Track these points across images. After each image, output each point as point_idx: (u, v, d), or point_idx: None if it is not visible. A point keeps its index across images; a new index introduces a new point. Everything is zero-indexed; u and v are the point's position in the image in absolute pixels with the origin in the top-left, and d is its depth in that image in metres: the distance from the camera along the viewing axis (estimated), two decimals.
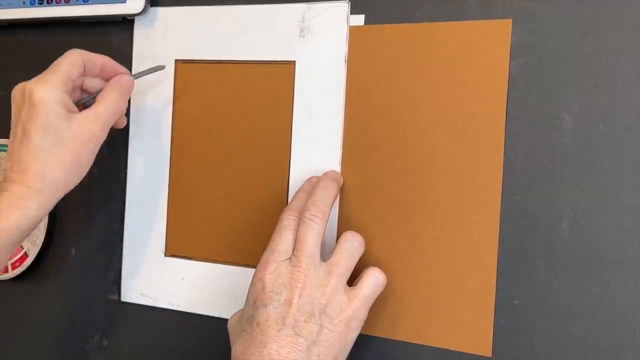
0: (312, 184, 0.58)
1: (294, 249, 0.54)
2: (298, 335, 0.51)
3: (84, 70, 0.60)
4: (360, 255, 0.56)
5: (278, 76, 0.62)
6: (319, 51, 0.60)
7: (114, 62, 0.63)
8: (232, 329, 0.56)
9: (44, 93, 0.56)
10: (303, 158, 0.61)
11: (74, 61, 0.59)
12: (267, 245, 0.56)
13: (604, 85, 0.52)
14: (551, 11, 0.53)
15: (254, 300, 0.53)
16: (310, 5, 0.61)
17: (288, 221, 0.55)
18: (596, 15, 0.52)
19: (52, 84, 0.56)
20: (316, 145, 0.60)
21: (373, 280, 0.55)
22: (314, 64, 0.61)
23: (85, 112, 0.58)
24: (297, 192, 0.58)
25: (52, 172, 0.55)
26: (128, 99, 0.61)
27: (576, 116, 0.52)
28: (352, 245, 0.56)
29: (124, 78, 0.61)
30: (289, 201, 0.61)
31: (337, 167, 0.60)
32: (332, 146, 0.60)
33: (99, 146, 0.58)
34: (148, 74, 0.64)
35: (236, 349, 0.53)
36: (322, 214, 0.54)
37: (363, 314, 0.54)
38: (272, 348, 0.50)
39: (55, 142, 0.55)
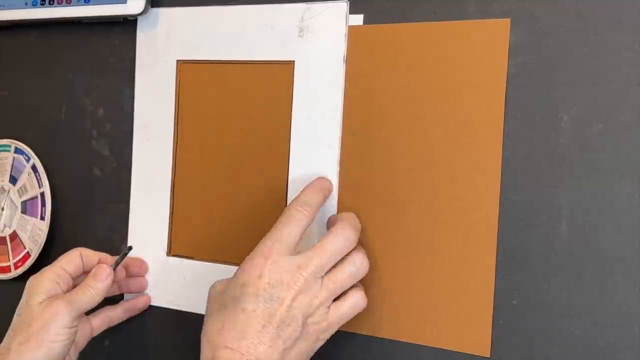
0: (323, 183, 0.58)
1: (302, 245, 0.54)
2: (279, 337, 0.51)
3: (83, 264, 0.63)
4: (362, 277, 0.56)
5: (278, 76, 0.62)
6: (318, 51, 0.60)
7: (108, 257, 0.65)
8: (213, 297, 0.55)
9: (34, 281, 0.60)
10: (302, 158, 0.61)
11: (71, 256, 0.62)
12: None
13: (603, 85, 0.51)
14: (550, 11, 0.53)
15: (244, 282, 0.53)
16: (309, 5, 0.61)
17: (298, 214, 0.55)
18: (594, 14, 0.52)
19: (45, 273, 0.61)
20: (315, 144, 0.60)
21: (354, 302, 0.55)
22: (313, 64, 0.61)
23: (61, 296, 0.59)
24: (307, 187, 0.57)
25: (15, 347, 0.57)
26: (107, 290, 0.61)
27: (574, 116, 0.52)
28: (356, 269, 0.55)
29: (107, 270, 0.61)
30: (288, 201, 0.61)
31: (335, 167, 0.60)
32: (331, 146, 0.60)
33: (65, 330, 0.58)
34: (122, 259, 0.64)
35: (212, 324, 0.53)
36: (356, 236, 0.55)
37: (335, 329, 0.55)
38: (251, 342, 0.50)
39: (24, 322, 0.58)
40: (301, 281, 0.52)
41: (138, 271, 0.68)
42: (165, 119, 0.67)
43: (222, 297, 0.54)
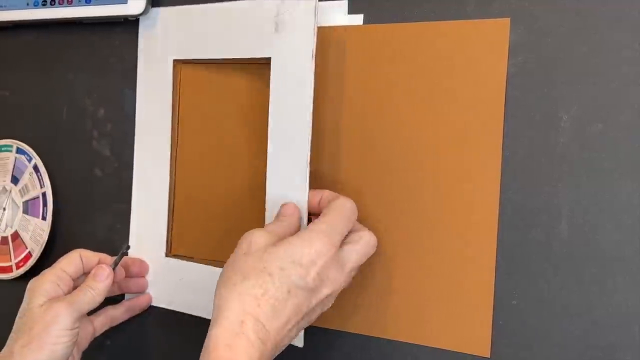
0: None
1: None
2: (298, 324, 0.51)
3: (83, 266, 0.63)
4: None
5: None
6: (290, 48, 0.58)
7: (108, 257, 0.64)
8: (255, 253, 0.51)
9: (34, 283, 0.61)
10: (278, 158, 0.59)
11: (70, 258, 0.63)
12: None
13: (603, 84, 0.51)
14: (549, 10, 0.53)
15: (299, 262, 0.50)
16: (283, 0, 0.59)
17: (351, 221, 0.54)
18: (594, 14, 0.52)
19: (45, 275, 0.61)
20: (287, 141, 0.58)
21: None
22: (286, 61, 0.59)
23: (61, 298, 0.59)
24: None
25: (18, 349, 0.57)
26: (107, 291, 0.61)
27: (574, 115, 0.52)
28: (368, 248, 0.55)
29: (106, 271, 0.62)
30: (266, 201, 0.59)
31: (305, 168, 0.57)
32: (301, 144, 0.57)
33: (66, 332, 0.58)
34: (120, 258, 0.64)
35: (252, 287, 0.49)
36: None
37: None
38: (281, 325, 0.49)
39: (25, 325, 0.58)
40: (341, 281, 0.52)
41: (138, 271, 0.68)
42: (164, 118, 0.67)
43: (268, 259, 0.51)
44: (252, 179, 0.64)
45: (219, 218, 0.65)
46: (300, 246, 0.51)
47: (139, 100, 0.69)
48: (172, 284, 0.67)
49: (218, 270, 0.62)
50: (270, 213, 0.59)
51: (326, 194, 0.57)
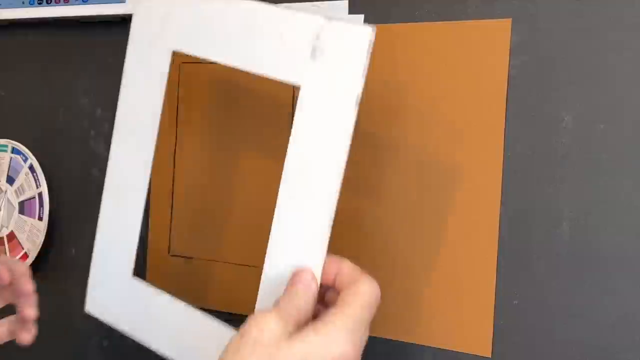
0: None
1: None
2: None
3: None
4: None
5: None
6: (328, 82, 0.46)
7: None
8: (266, 343, 0.43)
9: None
10: (291, 206, 0.47)
11: None
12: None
13: (604, 85, 0.51)
14: (551, 10, 0.53)
15: None
16: (331, 21, 0.45)
17: (378, 301, 0.46)
18: (596, 14, 0.52)
19: None
20: (306, 191, 0.46)
21: None
22: (321, 96, 0.46)
23: None
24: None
25: None
26: None
27: (576, 116, 0.52)
28: None
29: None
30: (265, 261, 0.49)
31: (327, 226, 0.45)
32: (325, 198, 0.45)
33: None
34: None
35: None
36: None
37: None
38: None
39: None
40: None
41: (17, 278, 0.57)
42: (150, 117, 0.57)
43: (279, 358, 0.42)
44: (254, 184, 0.63)
45: (219, 220, 0.65)
46: (319, 346, 0.42)
47: (123, 93, 0.58)
48: (136, 310, 0.57)
49: (184, 306, 0.54)
50: (268, 277, 0.48)
51: (346, 266, 0.46)
